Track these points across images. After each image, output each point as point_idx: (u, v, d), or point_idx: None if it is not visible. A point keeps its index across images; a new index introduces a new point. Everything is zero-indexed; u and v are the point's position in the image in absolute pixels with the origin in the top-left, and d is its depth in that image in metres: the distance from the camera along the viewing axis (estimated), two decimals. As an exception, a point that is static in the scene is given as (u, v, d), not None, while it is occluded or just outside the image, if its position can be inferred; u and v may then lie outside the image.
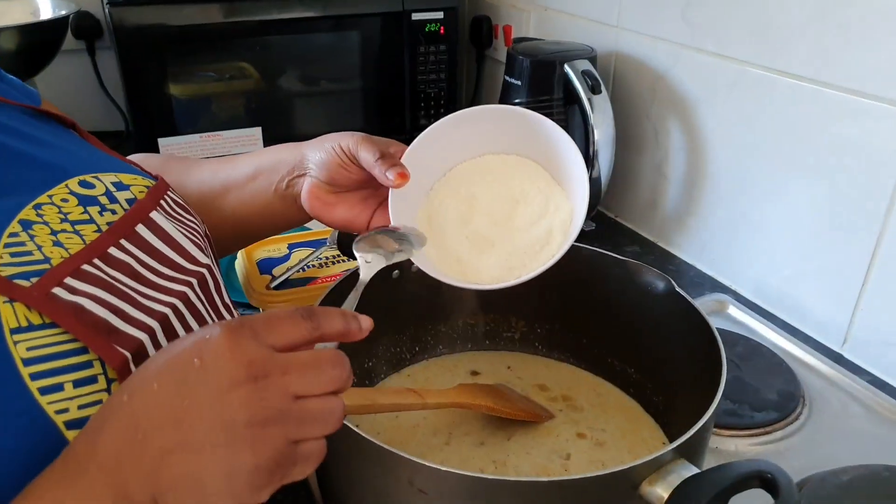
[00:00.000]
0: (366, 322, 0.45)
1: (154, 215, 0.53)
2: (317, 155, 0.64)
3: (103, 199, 0.52)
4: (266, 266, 0.82)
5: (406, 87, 1.33)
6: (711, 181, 1.02)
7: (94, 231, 0.49)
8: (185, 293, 0.50)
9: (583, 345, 0.78)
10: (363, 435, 0.48)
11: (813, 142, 0.87)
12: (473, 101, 1.54)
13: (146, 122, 1.13)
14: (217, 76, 1.18)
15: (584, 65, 1.03)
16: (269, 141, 1.22)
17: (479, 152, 0.67)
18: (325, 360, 0.40)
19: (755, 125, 0.93)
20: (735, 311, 0.95)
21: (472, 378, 0.78)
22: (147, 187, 0.56)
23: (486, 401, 0.67)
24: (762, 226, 0.96)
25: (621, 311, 0.73)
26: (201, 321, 0.51)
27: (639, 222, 1.16)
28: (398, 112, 1.35)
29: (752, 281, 1.00)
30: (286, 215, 0.68)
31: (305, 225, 0.73)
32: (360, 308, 0.72)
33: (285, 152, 0.67)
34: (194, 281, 0.52)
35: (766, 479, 0.45)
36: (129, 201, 0.53)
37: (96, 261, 0.47)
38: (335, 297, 0.68)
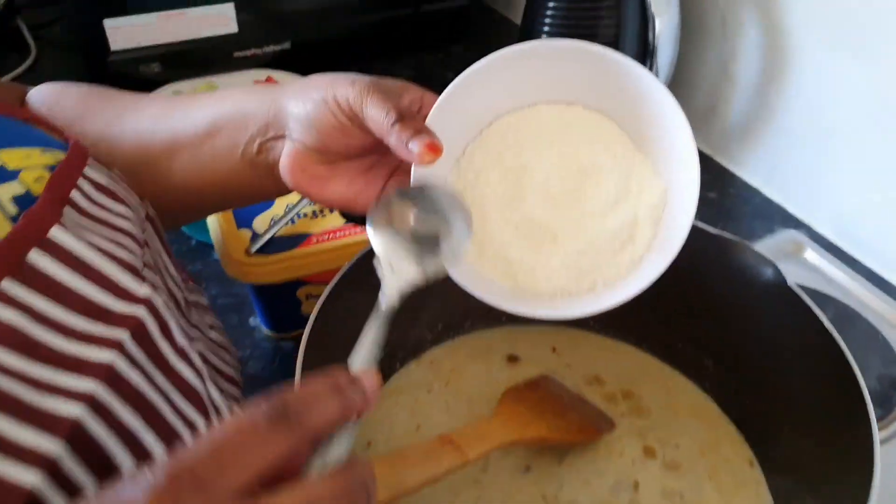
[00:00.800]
0: (372, 386, 0.32)
1: (56, 232, 0.35)
2: (301, 108, 0.45)
3: None
4: (245, 216, 0.64)
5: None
6: (791, 88, 0.83)
7: None
8: (109, 368, 0.33)
9: (648, 323, 0.62)
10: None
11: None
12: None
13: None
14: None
15: (646, -64, 0.81)
16: (245, 24, 0.99)
17: (529, 101, 0.47)
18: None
19: (858, 30, 0.73)
20: (813, 255, 0.80)
21: (508, 366, 0.63)
22: (50, 167, 0.37)
23: (539, 428, 0.52)
24: (852, 150, 0.78)
25: (705, 291, 0.57)
26: (140, 406, 0.34)
27: (694, 129, 0.96)
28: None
29: (833, 216, 0.83)
30: (258, 187, 0.49)
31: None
32: (354, 281, 0.56)
33: (254, 100, 0.47)
34: (125, 336, 0.35)
35: None
36: (17, 202, 0.35)
37: None
38: (343, 293, 0.51)
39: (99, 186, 0.40)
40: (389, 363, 0.61)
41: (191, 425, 0.38)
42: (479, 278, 0.46)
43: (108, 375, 0.33)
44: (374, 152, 0.47)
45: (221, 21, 0.97)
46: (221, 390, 0.48)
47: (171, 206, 0.49)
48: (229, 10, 0.98)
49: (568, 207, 0.46)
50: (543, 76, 0.46)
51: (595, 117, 0.47)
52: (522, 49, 0.44)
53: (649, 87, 0.43)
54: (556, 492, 0.53)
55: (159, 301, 0.38)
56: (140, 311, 0.36)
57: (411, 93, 0.46)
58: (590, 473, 0.54)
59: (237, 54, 1.01)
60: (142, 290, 0.37)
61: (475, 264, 0.46)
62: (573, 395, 0.59)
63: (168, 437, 0.36)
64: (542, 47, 0.45)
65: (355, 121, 0.43)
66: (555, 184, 0.46)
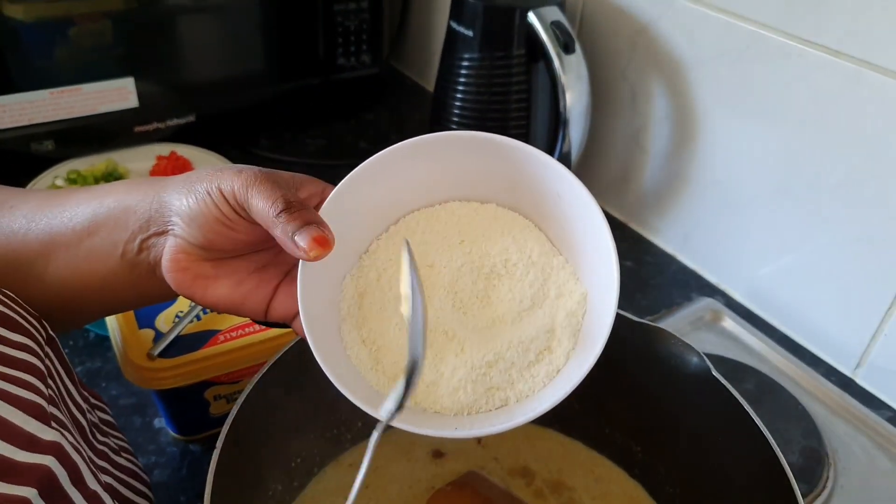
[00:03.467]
0: None
1: None
2: (183, 202, 0.41)
3: None
4: (147, 314, 0.60)
5: (319, 13, 1.07)
6: (700, 158, 0.85)
7: None
8: None
9: (575, 410, 0.60)
10: None
11: (842, 130, 0.70)
12: (400, 45, 1.28)
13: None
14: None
15: (554, 13, 0.81)
16: (146, 97, 0.95)
17: (439, 197, 0.45)
18: None
19: (764, 99, 0.75)
20: (730, 323, 0.80)
21: (433, 462, 0.60)
22: None
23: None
24: (764, 215, 0.80)
25: (631, 378, 0.56)
26: None
27: (608, 199, 0.98)
28: (310, 43, 1.08)
29: (746, 281, 0.84)
30: (141, 289, 0.45)
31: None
32: (277, 396, 0.52)
33: (136, 195, 0.43)
34: (31, 494, 0.31)
35: None
36: None
37: None
38: (262, 394, 0.48)
39: None
40: (305, 468, 0.57)
41: None
42: (365, 393, 0.41)
43: None
44: (267, 250, 0.44)
45: (121, 95, 0.93)
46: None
47: (49, 313, 0.44)
48: (129, 83, 0.93)
49: (477, 313, 0.43)
50: (455, 170, 0.44)
51: (509, 216, 0.45)
52: (430, 139, 0.42)
53: (567, 185, 0.41)
54: None
55: (67, 443, 0.34)
56: (48, 460, 0.33)
57: (310, 186, 0.43)
58: (523, 579, 0.52)
59: (138, 129, 0.96)
60: (48, 434, 0.33)
61: (368, 376, 0.42)
62: (502, 492, 0.57)
63: None
64: (451, 138, 0.42)
65: (241, 213, 0.40)
66: (464, 287, 0.43)
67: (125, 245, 0.43)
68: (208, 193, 0.40)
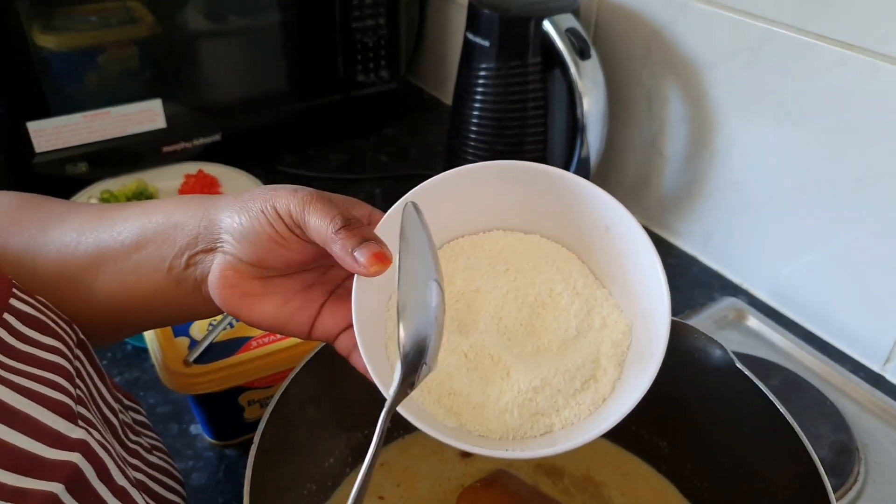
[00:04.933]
0: None
1: None
2: (236, 219, 0.41)
3: None
4: (182, 324, 0.62)
5: (337, 32, 1.09)
6: (718, 159, 0.86)
7: None
8: None
9: (600, 408, 0.61)
10: None
11: (860, 125, 0.70)
12: (417, 60, 1.31)
13: (2, 98, 0.87)
14: (100, 21, 0.91)
15: (568, 20, 0.83)
16: (173, 118, 0.98)
17: (483, 226, 0.46)
18: None
19: (780, 97, 0.76)
20: (755, 322, 0.80)
21: (462, 462, 0.61)
22: None
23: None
24: (783, 214, 0.80)
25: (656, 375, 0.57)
26: None
27: (627, 203, 0.98)
28: (330, 61, 1.11)
29: (769, 280, 0.85)
30: (185, 305, 0.45)
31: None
32: (308, 398, 0.54)
33: (185, 212, 0.44)
34: (58, 489, 0.32)
35: None
36: None
37: None
38: (292, 397, 0.49)
39: (25, 318, 0.38)
40: (337, 468, 0.58)
41: None
42: (419, 412, 0.41)
43: None
44: (314, 269, 0.45)
45: (148, 117, 0.96)
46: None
47: (95, 325, 0.45)
48: (157, 105, 0.96)
49: (522, 340, 0.43)
50: (500, 199, 0.44)
51: (553, 247, 0.45)
52: (478, 168, 0.42)
53: (618, 217, 0.41)
54: None
55: (94, 441, 0.36)
56: (74, 457, 0.34)
57: (359, 208, 0.44)
58: (554, 574, 0.52)
59: (166, 149, 0.99)
60: (75, 433, 0.35)
61: (415, 396, 0.41)
62: (531, 489, 0.57)
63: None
64: (500, 167, 0.43)
65: (296, 231, 0.41)
66: (509, 313, 0.43)
67: (172, 260, 0.43)
68: (262, 212, 0.41)
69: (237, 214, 0.42)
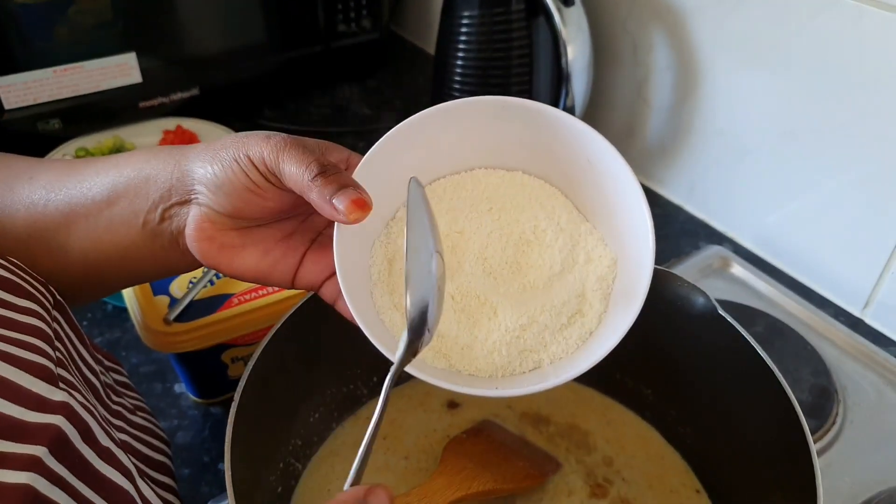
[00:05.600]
0: None
1: None
2: (208, 170, 0.40)
3: None
4: (162, 282, 0.61)
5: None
6: (703, 107, 0.85)
7: None
8: (26, 489, 0.30)
9: (584, 358, 0.62)
10: None
11: (845, 70, 0.69)
12: (399, 8, 1.28)
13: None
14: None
15: (551, -34, 0.81)
16: (149, 72, 0.96)
17: (465, 165, 0.45)
18: None
19: (765, 44, 0.75)
20: (739, 269, 0.81)
21: (449, 413, 0.61)
22: None
23: (485, 481, 0.51)
24: (768, 162, 0.80)
25: (640, 322, 0.57)
26: None
27: (612, 153, 0.97)
28: (310, 11, 1.08)
29: (754, 227, 0.85)
30: (162, 260, 0.44)
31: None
32: (291, 353, 0.53)
33: (155, 164, 0.42)
34: (41, 452, 0.32)
35: None
36: None
37: None
38: (273, 353, 0.49)
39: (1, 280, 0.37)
40: (323, 423, 0.58)
41: None
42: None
43: (27, 499, 0.30)
44: (293, 217, 0.44)
45: (123, 71, 0.93)
46: (154, 482, 0.45)
47: (71, 285, 0.44)
48: (131, 59, 0.94)
49: (508, 278, 0.43)
50: (482, 136, 0.43)
51: (536, 184, 0.45)
52: (458, 104, 0.42)
53: (600, 151, 0.40)
54: (507, 543, 0.52)
55: (76, 403, 0.35)
56: (57, 420, 0.34)
57: (336, 153, 0.42)
58: (540, 519, 0.53)
59: (143, 104, 0.97)
60: (57, 395, 0.34)
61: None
62: (517, 438, 0.58)
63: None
64: (479, 103, 0.42)
65: (271, 179, 0.39)
66: (493, 253, 0.43)
67: (146, 215, 0.42)
68: (236, 161, 0.39)
69: (209, 164, 0.40)
